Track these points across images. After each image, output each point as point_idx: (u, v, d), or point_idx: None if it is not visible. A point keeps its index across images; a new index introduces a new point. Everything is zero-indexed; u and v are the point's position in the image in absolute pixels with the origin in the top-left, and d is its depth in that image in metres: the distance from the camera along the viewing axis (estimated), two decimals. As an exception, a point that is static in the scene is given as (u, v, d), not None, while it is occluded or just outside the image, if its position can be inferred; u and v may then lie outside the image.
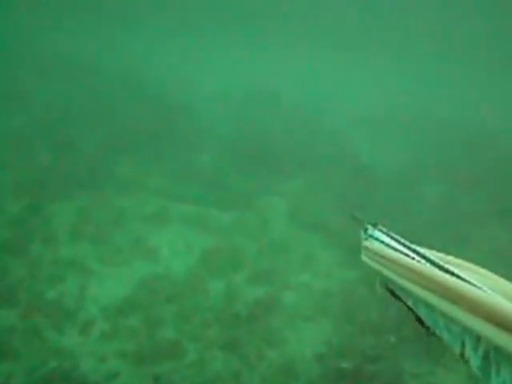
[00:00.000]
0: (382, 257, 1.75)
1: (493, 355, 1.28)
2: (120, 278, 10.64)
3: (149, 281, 10.58)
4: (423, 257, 1.63)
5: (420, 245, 1.75)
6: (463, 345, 1.39)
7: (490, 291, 1.36)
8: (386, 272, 1.73)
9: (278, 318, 10.03)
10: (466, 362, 1.38)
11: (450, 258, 1.64)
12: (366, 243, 1.94)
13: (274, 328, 9.73)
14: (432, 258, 1.61)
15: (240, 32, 41.49)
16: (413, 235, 2.05)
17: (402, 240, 1.80)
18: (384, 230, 1.93)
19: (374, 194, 15.21)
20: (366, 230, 2.01)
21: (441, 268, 1.52)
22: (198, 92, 21.08)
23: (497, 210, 15.78)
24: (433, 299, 1.45)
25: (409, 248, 1.72)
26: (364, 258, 1.94)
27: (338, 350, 9.31)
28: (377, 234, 1.93)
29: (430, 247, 1.75)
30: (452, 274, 1.46)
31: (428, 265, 1.57)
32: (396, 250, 1.75)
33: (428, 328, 1.59)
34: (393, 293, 1.78)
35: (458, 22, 41.39)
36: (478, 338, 1.33)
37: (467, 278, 1.43)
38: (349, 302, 10.74)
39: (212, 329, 9.39)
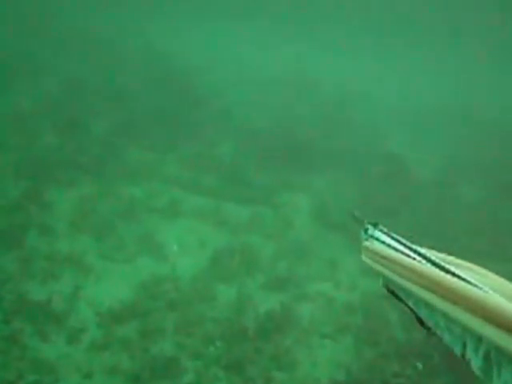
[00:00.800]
0: (383, 257, 1.73)
1: (494, 356, 1.27)
2: (120, 277, 9.64)
3: (151, 283, 9.55)
4: (424, 257, 1.61)
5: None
6: (464, 345, 1.38)
7: (490, 291, 1.34)
8: (386, 272, 1.69)
9: (291, 335, 8.90)
10: (468, 362, 1.35)
11: (451, 258, 1.62)
12: (367, 243, 1.91)
13: (285, 346, 8.61)
14: (433, 258, 1.59)
15: (276, 18, 40.01)
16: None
17: (403, 240, 1.79)
18: (384, 230, 1.91)
19: (406, 196, 13.87)
20: (366, 230, 1.97)
21: (442, 268, 1.51)
22: (224, 77, 19.79)
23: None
24: (434, 300, 1.44)
25: (409, 248, 1.72)
26: (364, 258, 1.90)
27: (357, 378, 8.14)
28: (377, 234, 1.90)
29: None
30: (453, 274, 1.46)
31: (429, 265, 1.56)
32: (397, 250, 1.73)
33: (429, 328, 1.56)
34: (394, 293, 1.73)
35: (494, 19, 39.19)
36: (479, 339, 1.32)
37: (468, 279, 1.42)
38: (373, 318, 9.56)
39: (215, 344, 8.31)
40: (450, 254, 1.71)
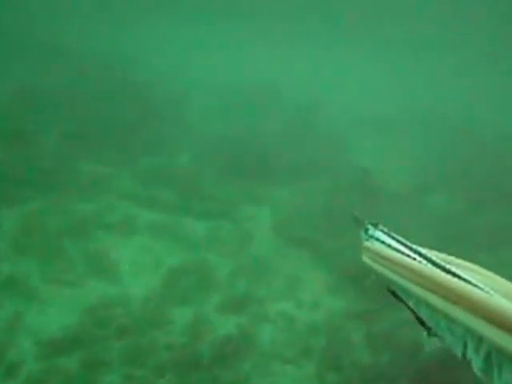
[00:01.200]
0: (383, 257, 1.75)
1: (495, 356, 1.27)
2: (66, 302, 8.94)
3: (100, 307, 8.89)
4: (424, 257, 1.61)
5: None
6: (465, 346, 1.38)
7: (491, 292, 1.34)
8: (387, 273, 1.71)
9: (250, 360, 8.36)
10: (468, 363, 1.36)
11: (451, 258, 1.63)
12: (367, 244, 1.92)
13: (244, 373, 8.08)
14: (433, 258, 1.59)
15: (239, 23, 39.47)
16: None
17: (403, 240, 1.81)
18: (385, 230, 1.95)
19: (374, 207, 13.48)
20: (366, 230, 2.00)
21: (442, 269, 1.51)
22: (184, 85, 19.15)
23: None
24: (434, 300, 1.43)
25: (410, 248, 1.72)
26: (365, 258, 1.90)
27: (320, 408, 7.65)
28: (378, 234, 1.93)
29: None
30: (453, 274, 1.46)
31: (429, 265, 1.55)
32: (397, 250, 1.73)
33: (430, 329, 1.54)
34: (394, 294, 1.73)
35: (466, 19, 39.65)
36: (479, 339, 1.31)
37: (469, 279, 1.42)
38: (336, 339, 9.09)
39: (167, 376, 7.70)
40: None
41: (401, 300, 1.72)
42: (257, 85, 20.49)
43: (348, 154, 16.72)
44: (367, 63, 34.96)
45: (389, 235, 1.88)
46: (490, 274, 1.52)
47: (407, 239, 1.92)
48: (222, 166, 13.33)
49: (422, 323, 1.61)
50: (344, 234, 12.23)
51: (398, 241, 1.81)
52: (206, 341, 8.51)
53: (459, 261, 1.62)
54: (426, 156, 18.64)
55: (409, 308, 1.67)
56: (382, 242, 1.85)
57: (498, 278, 1.49)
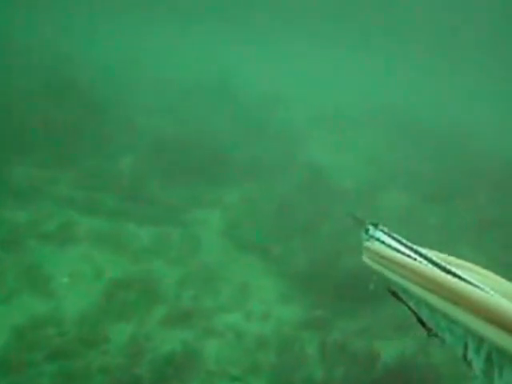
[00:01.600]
0: (384, 258, 1.73)
1: (495, 357, 1.28)
2: (-9, 323, 8.12)
3: (29, 327, 8.11)
4: (425, 257, 1.61)
5: None
6: (466, 347, 1.38)
7: (492, 292, 1.35)
8: (387, 273, 1.68)
9: (194, 380, 7.76)
10: (469, 363, 1.36)
11: (452, 258, 1.62)
12: (368, 244, 1.88)
13: (187, 395, 7.47)
14: (434, 258, 1.59)
15: (188, 19, 38.43)
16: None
17: (404, 240, 1.77)
18: (385, 230, 1.90)
19: (327, 207, 13.08)
20: (367, 230, 1.95)
21: (443, 269, 1.51)
22: (127, 82, 18.26)
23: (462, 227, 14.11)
24: (435, 300, 1.44)
25: (410, 249, 1.70)
26: (365, 259, 1.86)
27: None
28: (378, 234, 1.89)
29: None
30: (454, 275, 1.46)
31: (430, 266, 1.55)
32: (398, 250, 1.72)
33: (430, 329, 1.55)
34: (395, 294, 1.70)
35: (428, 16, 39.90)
36: (480, 340, 1.32)
37: (469, 279, 1.43)
38: (288, 353, 8.59)
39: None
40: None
41: (401, 300, 1.67)
42: (208, 82, 19.81)
43: (301, 152, 16.28)
44: (324, 59, 34.70)
45: (389, 235, 1.84)
46: (490, 274, 1.51)
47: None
48: (168, 168, 12.64)
49: (423, 324, 1.58)
50: (295, 237, 11.79)
51: (399, 241, 1.78)
52: (146, 360, 7.87)
53: (460, 261, 1.61)
54: (382, 152, 18.42)
55: (409, 308, 1.63)
56: (383, 242, 1.81)
57: (498, 278, 1.48)
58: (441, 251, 1.70)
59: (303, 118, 20.71)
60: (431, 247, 1.73)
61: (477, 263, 1.60)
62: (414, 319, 1.62)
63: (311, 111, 21.86)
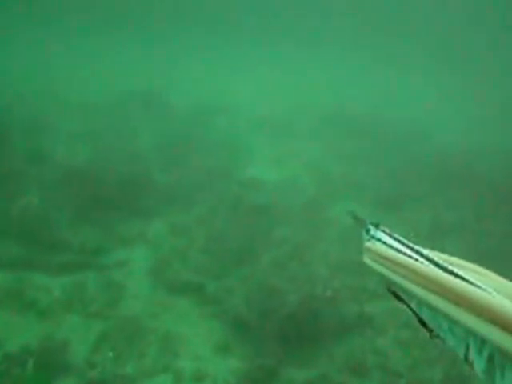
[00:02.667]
0: (385, 258, 1.66)
1: (497, 358, 1.25)
2: None
3: None
4: (426, 258, 1.56)
5: None
6: (467, 348, 1.35)
7: (494, 293, 1.31)
8: (388, 274, 1.62)
9: None
10: (470, 365, 1.32)
11: (454, 259, 1.57)
12: (368, 244, 1.80)
13: None
14: (435, 259, 1.54)
15: (114, 33, 36.50)
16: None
17: (405, 241, 1.69)
18: (386, 230, 1.80)
19: (267, 232, 11.70)
20: (368, 230, 1.85)
21: (444, 269, 1.46)
22: (44, 107, 16.43)
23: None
24: (436, 301, 1.39)
25: (412, 249, 1.63)
26: (366, 259, 1.77)
27: None
28: (379, 234, 1.80)
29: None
30: (456, 275, 1.41)
31: (431, 266, 1.50)
32: (399, 251, 1.65)
33: (431, 330, 1.50)
34: (396, 295, 1.64)
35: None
36: (482, 341, 1.29)
37: (471, 280, 1.38)
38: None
39: None
40: None
41: (402, 301, 1.56)
42: (136, 98, 18.17)
43: (239, 167, 14.87)
44: (262, 64, 33.58)
45: (390, 236, 1.69)
46: (492, 275, 1.42)
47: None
48: (79, 203, 10.96)
49: (424, 325, 1.48)
50: (231, 270, 10.38)
51: (400, 241, 1.63)
52: None
53: (461, 261, 1.51)
54: (330, 162, 17.23)
55: (410, 309, 1.52)
56: (384, 243, 1.67)
57: (500, 279, 1.39)
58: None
59: (244, 129, 19.33)
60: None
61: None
62: (416, 320, 1.52)
63: (254, 120, 20.52)
